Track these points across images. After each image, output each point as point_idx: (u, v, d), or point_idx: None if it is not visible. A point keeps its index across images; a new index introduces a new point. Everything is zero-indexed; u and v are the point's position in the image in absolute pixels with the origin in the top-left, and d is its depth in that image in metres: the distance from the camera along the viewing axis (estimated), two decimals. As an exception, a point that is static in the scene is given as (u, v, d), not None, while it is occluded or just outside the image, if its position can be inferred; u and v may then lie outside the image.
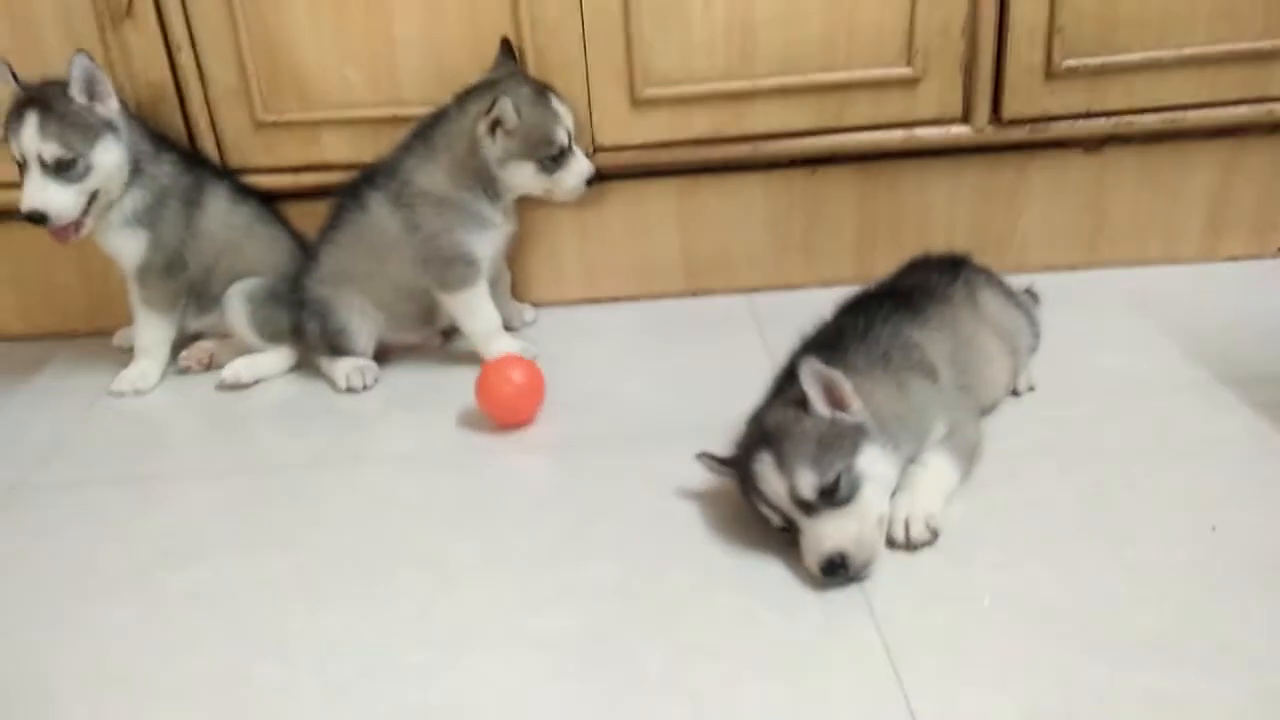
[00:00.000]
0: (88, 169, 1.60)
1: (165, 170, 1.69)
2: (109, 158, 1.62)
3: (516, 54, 1.67)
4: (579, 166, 1.66)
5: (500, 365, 1.54)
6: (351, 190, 1.69)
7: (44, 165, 1.57)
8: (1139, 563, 1.12)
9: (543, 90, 1.63)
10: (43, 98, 1.58)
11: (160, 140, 1.71)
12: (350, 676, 1.07)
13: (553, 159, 1.63)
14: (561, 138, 1.62)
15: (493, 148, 1.61)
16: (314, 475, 1.45)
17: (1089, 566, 1.13)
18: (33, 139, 1.56)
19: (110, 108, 1.63)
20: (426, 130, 1.66)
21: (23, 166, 1.58)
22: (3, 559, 1.31)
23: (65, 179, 1.58)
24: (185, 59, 1.72)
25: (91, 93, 1.60)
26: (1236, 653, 1.00)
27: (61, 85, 1.59)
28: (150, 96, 1.73)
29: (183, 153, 1.75)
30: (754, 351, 1.68)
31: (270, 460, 1.51)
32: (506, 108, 1.57)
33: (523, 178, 1.64)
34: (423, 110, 1.69)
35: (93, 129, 1.60)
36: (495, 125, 1.59)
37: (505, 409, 1.52)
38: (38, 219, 1.58)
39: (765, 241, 1.87)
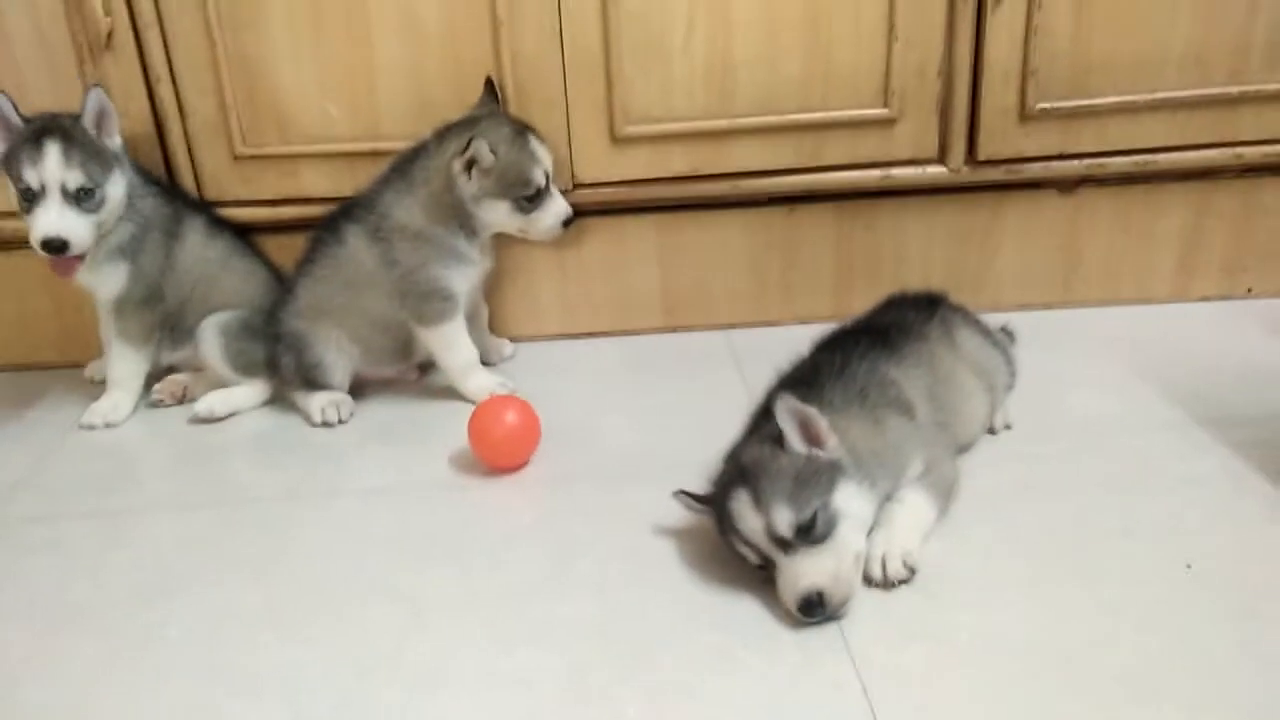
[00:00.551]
0: (102, 200, 1.60)
1: (149, 203, 1.68)
2: (117, 190, 1.63)
3: (499, 93, 1.68)
4: (555, 207, 1.66)
5: (493, 407, 1.50)
6: (329, 224, 1.69)
7: (65, 194, 1.57)
8: (1116, 601, 1.12)
9: (522, 130, 1.64)
10: (60, 128, 1.58)
11: (143, 172, 1.71)
12: (323, 713, 1.05)
13: (529, 199, 1.64)
14: (538, 179, 1.63)
15: (468, 186, 1.61)
16: (288, 509, 1.43)
17: (1066, 604, 1.12)
18: (57, 167, 1.56)
19: (116, 142, 1.64)
20: (405, 165, 1.67)
21: (32, 195, 1.57)
22: (-35, 594, 1.29)
23: (84, 209, 1.58)
24: (164, 91, 1.72)
25: (100, 126, 1.61)
26: (1214, 690, 1.00)
27: (72, 117, 1.59)
28: (129, 128, 1.73)
29: (161, 185, 1.74)
30: (732, 388, 1.68)
31: (243, 494, 1.49)
32: (481, 148, 1.57)
33: (498, 216, 1.65)
34: (402, 144, 1.70)
35: (107, 161, 1.61)
36: (471, 164, 1.60)
37: (499, 452, 1.49)
38: (56, 247, 1.57)
39: (743, 278, 1.88)
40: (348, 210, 1.68)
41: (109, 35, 1.67)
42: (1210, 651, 1.05)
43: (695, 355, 1.83)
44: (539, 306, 1.91)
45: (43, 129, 1.57)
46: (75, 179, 1.57)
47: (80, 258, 1.61)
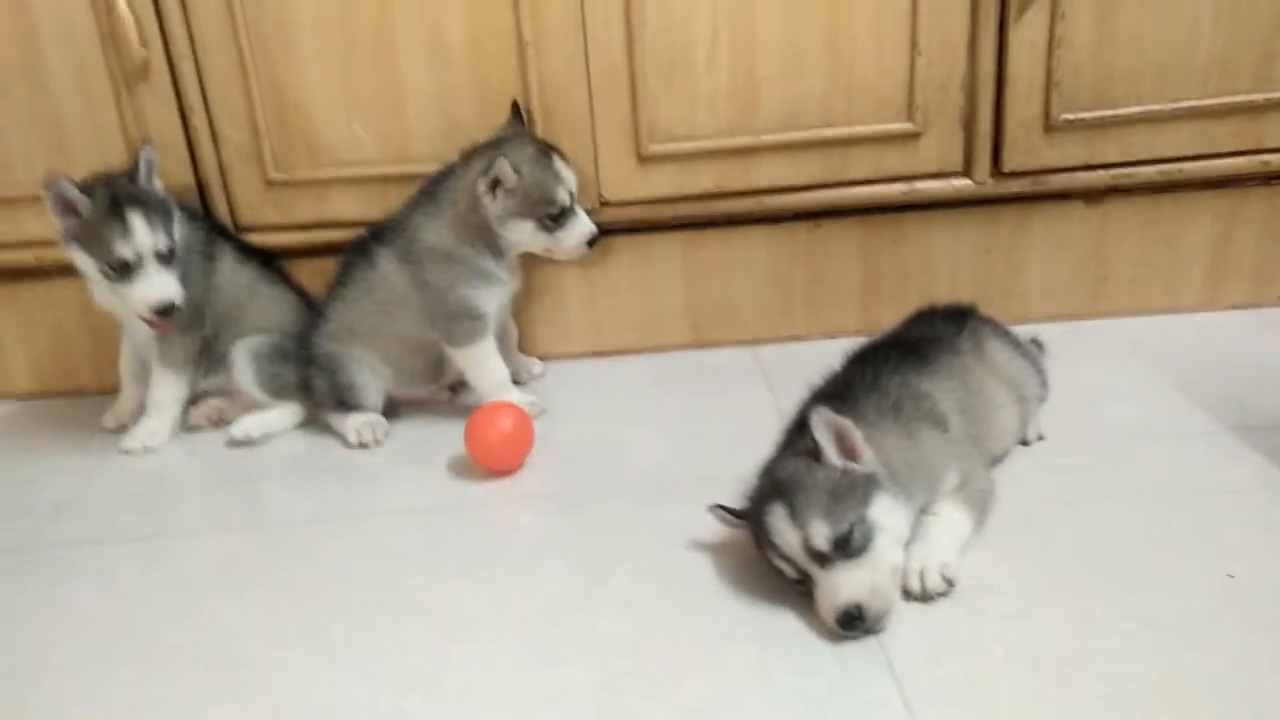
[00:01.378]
0: (174, 250, 1.64)
1: (186, 231, 1.71)
2: (180, 234, 1.66)
3: (525, 116, 1.70)
4: (580, 226, 1.67)
5: (488, 412, 1.55)
6: (360, 247, 1.71)
7: (157, 257, 1.60)
8: (1155, 612, 1.12)
9: (546, 151, 1.66)
10: (132, 194, 1.61)
11: (177, 202, 1.73)
12: (363, 734, 1.06)
13: (553, 218, 1.65)
14: (562, 198, 1.64)
15: (493, 206, 1.63)
16: (324, 530, 1.45)
17: (1105, 616, 1.12)
18: (147, 235, 1.59)
19: (161, 188, 1.67)
20: (433, 187, 1.69)
21: (128, 267, 1.59)
22: (13, 618, 1.31)
23: (170, 266, 1.62)
24: (198, 120, 1.75)
25: (152, 177, 1.65)
26: (1255, 702, 0.99)
27: (128, 177, 1.63)
28: (163, 157, 1.76)
29: (194, 212, 1.77)
30: (761, 402, 1.69)
31: (280, 516, 1.50)
32: (504, 167, 1.59)
33: (523, 235, 1.66)
34: (431, 167, 1.72)
35: (170, 212, 1.65)
36: (495, 184, 1.61)
37: (495, 455, 1.53)
38: (168, 310, 1.61)
39: (770, 293, 1.89)
40: (378, 233, 1.70)
41: (145, 66, 1.70)
42: (1253, 663, 1.04)
43: (723, 371, 1.84)
44: (567, 325, 1.92)
45: (116, 199, 1.59)
46: (163, 242, 1.61)
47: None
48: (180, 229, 1.69)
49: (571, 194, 1.66)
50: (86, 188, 1.60)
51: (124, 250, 1.58)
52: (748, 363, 1.85)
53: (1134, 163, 1.75)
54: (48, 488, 1.63)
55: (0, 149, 1.77)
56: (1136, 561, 1.21)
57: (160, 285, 1.61)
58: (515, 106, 1.69)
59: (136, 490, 1.61)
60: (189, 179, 1.79)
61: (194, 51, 1.71)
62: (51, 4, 1.69)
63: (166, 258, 1.62)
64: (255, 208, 1.81)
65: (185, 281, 1.67)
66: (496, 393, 1.70)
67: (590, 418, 1.70)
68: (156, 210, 1.62)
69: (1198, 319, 1.85)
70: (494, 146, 1.65)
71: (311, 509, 1.51)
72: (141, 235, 1.59)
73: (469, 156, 1.67)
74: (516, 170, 1.61)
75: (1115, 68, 1.69)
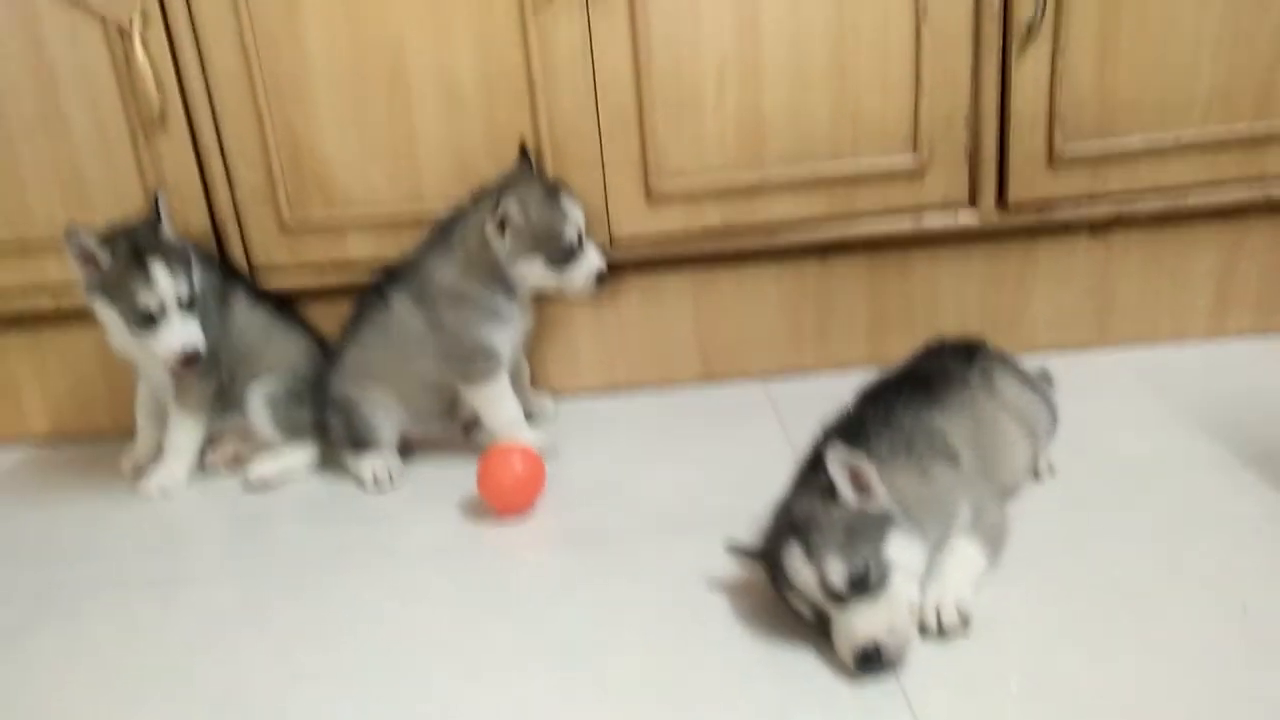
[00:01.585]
0: (195, 296, 1.66)
1: (201, 274, 1.73)
2: (199, 278, 1.68)
3: (532, 156, 1.73)
4: (588, 264, 1.68)
5: (499, 455, 1.56)
6: (374, 289, 1.73)
7: (180, 305, 1.63)
8: (1171, 645, 1.13)
9: (553, 189, 1.68)
10: (152, 243, 1.63)
11: (193, 246, 1.76)
12: (387, 778, 1.06)
13: (562, 256, 1.66)
14: (570, 236, 1.66)
15: (502, 245, 1.65)
16: (340, 570, 1.46)
17: (1121, 650, 1.13)
18: (169, 284, 1.61)
19: (175, 232, 1.69)
20: (444, 229, 1.71)
21: (151, 316, 1.62)
22: (34, 662, 1.32)
23: (192, 312, 1.65)
24: (214, 164, 1.78)
25: (167, 223, 1.68)
26: (1276, 737, 1.00)
27: (148, 224, 1.65)
28: (180, 202, 1.79)
29: (208, 256, 1.80)
30: (772, 437, 1.70)
31: (297, 558, 1.51)
32: (511, 206, 1.61)
33: (533, 273, 1.68)
34: (444, 209, 1.74)
35: (189, 257, 1.67)
36: (503, 223, 1.64)
37: (506, 498, 1.54)
38: (193, 357, 1.63)
39: (780, 328, 1.91)
40: (392, 275, 1.72)
41: (162, 114, 1.74)
42: (1271, 696, 1.04)
43: (734, 405, 1.85)
44: (578, 361, 1.94)
45: (137, 249, 1.61)
46: (184, 289, 1.63)
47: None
48: (197, 273, 1.71)
49: (580, 231, 1.68)
50: (107, 238, 1.62)
51: (148, 300, 1.61)
52: (758, 397, 1.87)
53: (1139, 194, 1.77)
54: (67, 531, 1.65)
55: (20, 196, 1.80)
56: (1151, 595, 1.22)
57: (184, 333, 1.63)
58: (523, 147, 1.72)
59: (155, 533, 1.63)
60: (205, 222, 1.82)
61: (210, 98, 1.74)
62: (71, 55, 1.72)
63: (188, 304, 1.64)
64: (270, 249, 1.84)
65: (202, 325, 1.69)
66: (511, 430, 1.71)
67: (603, 454, 1.72)
68: (177, 258, 1.64)
69: (1204, 348, 1.86)
70: (502, 187, 1.67)
71: (329, 551, 1.52)
72: (164, 284, 1.61)
73: (478, 198, 1.70)
74: (524, 209, 1.63)
75: (1117, 101, 1.71)
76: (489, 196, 1.67)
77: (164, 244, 1.64)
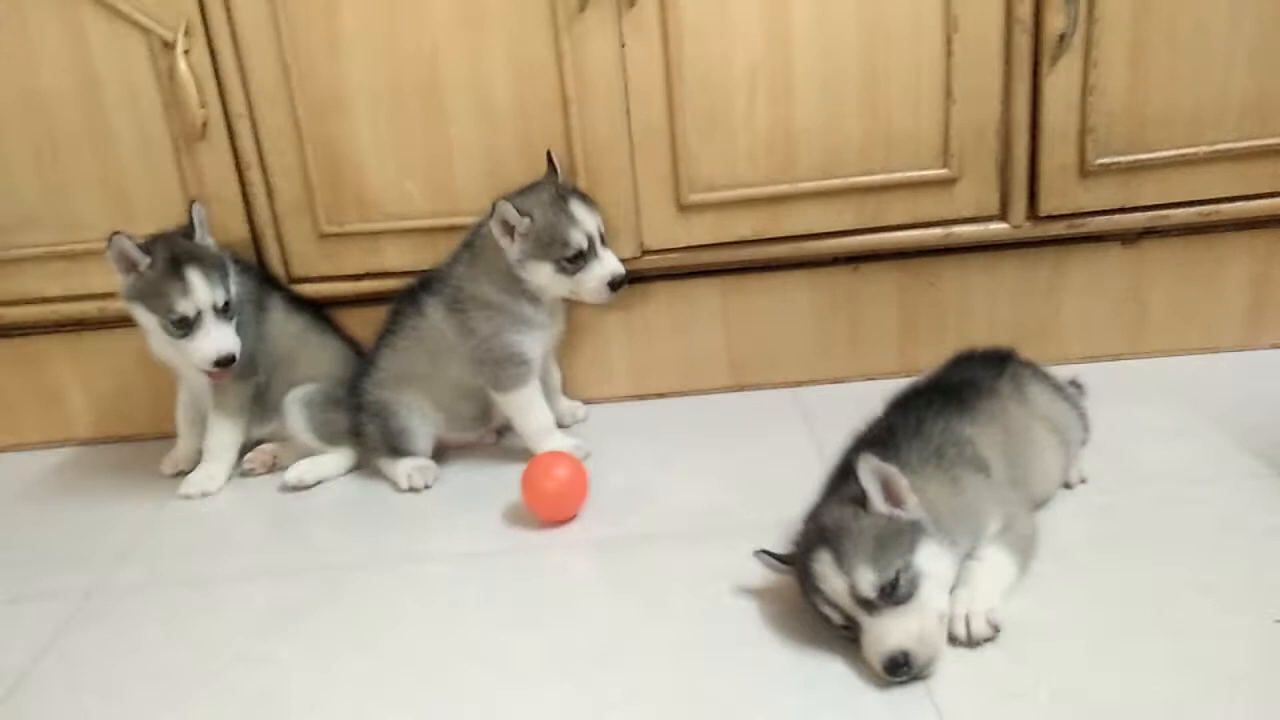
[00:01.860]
0: (230, 302, 1.70)
1: (239, 281, 1.77)
2: (236, 288, 1.72)
3: (557, 165, 1.73)
4: (600, 269, 1.68)
5: (545, 462, 1.58)
6: (408, 296, 1.76)
7: (216, 312, 1.67)
8: (1202, 656, 1.13)
9: (563, 194, 1.67)
10: (190, 251, 1.67)
11: (229, 254, 1.80)
12: (423, 779, 1.08)
13: (570, 260, 1.66)
14: (578, 240, 1.65)
15: (511, 249, 1.66)
16: (376, 574, 1.48)
17: (1151, 662, 1.13)
18: (205, 291, 1.65)
19: (213, 243, 1.73)
20: (472, 238, 1.74)
21: (189, 322, 1.66)
22: (80, 662, 1.35)
23: (229, 318, 1.69)
24: (254, 175, 1.82)
25: (203, 232, 1.72)
26: (1308, 750, 1.00)
27: (184, 233, 1.70)
28: (221, 211, 1.83)
29: (246, 264, 1.83)
30: (801, 445, 1.71)
31: (334, 560, 1.54)
32: (506, 210, 1.63)
33: (543, 278, 1.68)
34: (478, 219, 1.77)
35: (225, 265, 1.72)
36: (509, 227, 1.65)
37: (551, 505, 1.56)
38: (228, 362, 1.67)
39: (809, 337, 1.92)
40: (426, 283, 1.75)
41: (204, 126, 1.77)
42: (1303, 708, 1.04)
43: (763, 414, 1.86)
44: (609, 369, 1.96)
45: (175, 257, 1.66)
46: (220, 296, 1.67)
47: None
48: (234, 281, 1.75)
49: (590, 236, 1.68)
50: (146, 246, 1.66)
51: (184, 306, 1.64)
52: (788, 405, 1.88)
53: (1170, 205, 1.76)
54: (110, 532, 1.68)
55: (66, 207, 1.84)
56: (1183, 606, 1.22)
57: (219, 338, 1.67)
58: (550, 157, 1.73)
59: (195, 534, 1.66)
60: (244, 232, 1.85)
61: (250, 111, 1.78)
62: (116, 70, 1.76)
63: (224, 310, 1.68)
64: (307, 259, 1.87)
65: (240, 331, 1.73)
66: (542, 437, 1.73)
67: (634, 462, 1.73)
68: (213, 265, 1.68)
69: (1237, 358, 1.85)
70: (519, 194, 1.69)
71: (365, 553, 1.55)
72: (200, 291, 1.65)
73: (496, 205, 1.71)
74: (527, 214, 1.64)
75: (1149, 112, 1.71)
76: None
77: (200, 252, 1.68)
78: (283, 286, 1.86)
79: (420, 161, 1.79)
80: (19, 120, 1.80)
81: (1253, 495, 1.43)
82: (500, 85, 1.74)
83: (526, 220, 1.64)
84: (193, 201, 1.73)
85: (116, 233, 1.64)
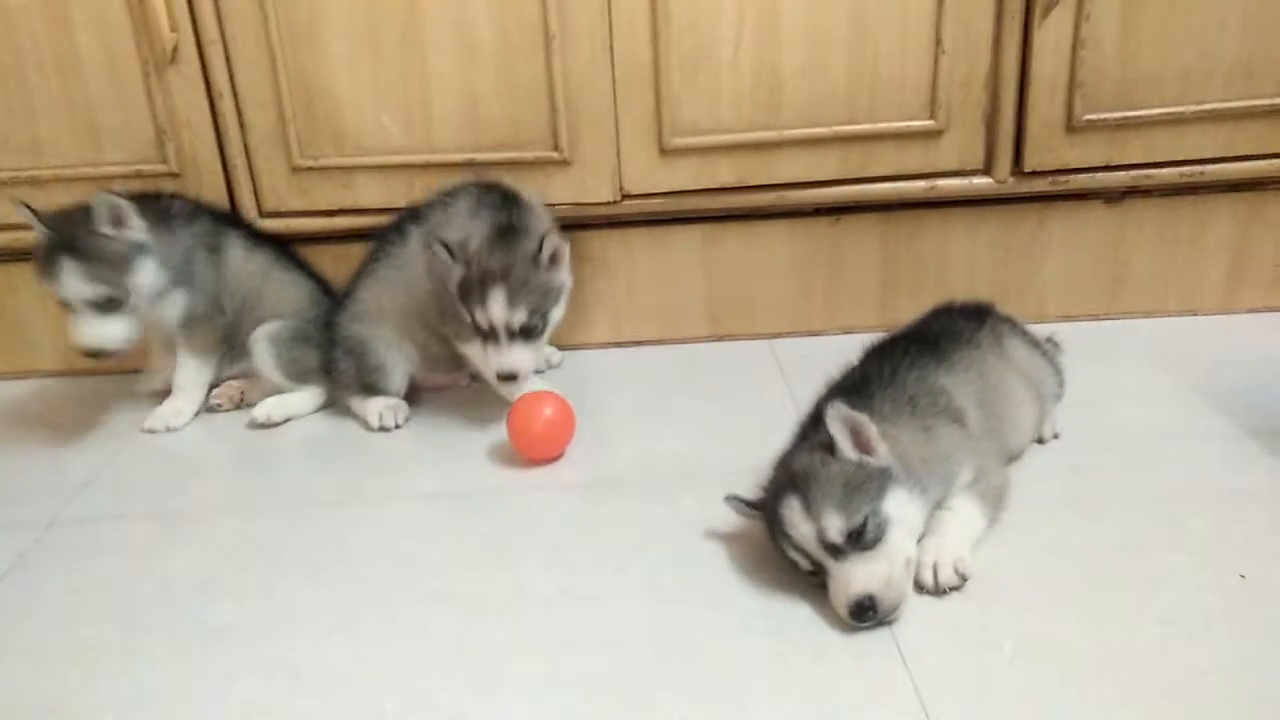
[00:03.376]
0: (127, 295, 1.64)
1: (187, 230, 1.72)
2: (145, 278, 1.67)
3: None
4: (494, 357, 1.59)
5: (531, 401, 1.56)
6: (395, 226, 1.73)
7: (92, 306, 1.62)
8: (1167, 611, 1.13)
9: (497, 273, 1.56)
10: (71, 240, 1.60)
11: (169, 212, 1.73)
12: (388, 711, 1.07)
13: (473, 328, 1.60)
14: (480, 321, 1.58)
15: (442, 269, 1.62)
16: (345, 512, 1.47)
17: (1117, 614, 1.13)
18: (76, 285, 1.60)
19: (136, 230, 1.66)
20: (451, 190, 1.70)
21: (68, 305, 1.62)
22: (43, 592, 1.33)
23: (114, 313, 1.63)
24: (226, 105, 1.77)
25: (117, 221, 1.63)
26: (1267, 703, 1.00)
27: (85, 215, 1.61)
28: (190, 141, 1.78)
29: (194, 208, 1.78)
30: (778, 395, 1.70)
31: (301, 497, 1.52)
32: (438, 250, 1.57)
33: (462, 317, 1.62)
34: (455, 156, 1.75)
35: (125, 257, 1.64)
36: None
37: (535, 444, 1.54)
38: (97, 356, 1.63)
39: (789, 288, 1.90)
40: (413, 215, 1.72)
41: (174, 51, 1.73)
42: (1265, 664, 1.05)
43: (741, 364, 1.85)
44: (587, 316, 1.94)
45: (55, 244, 1.59)
46: (97, 291, 1.61)
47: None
48: (181, 230, 1.71)
49: (495, 327, 1.58)
50: (48, 220, 1.61)
51: (59, 292, 1.61)
52: (765, 356, 1.87)
53: (1156, 164, 1.75)
54: (73, 464, 1.66)
55: (31, 132, 1.79)
56: (1150, 561, 1.22)
57: (89, 333, 1.62)
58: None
59: (160, 468, 1.64)
60: (215, 163, 1.81)
61: (223, 37, 1.73)
62: (85, -11, 1.71)
63: (105, 305, 1.62)
64: (280, 193, 1.83)
65: (192, 278, 1.71)
66: (507, 385, 1.69)
67: (608, 408, 1.72)
68: (95, 259, 1.60)
69: (1215, 321, 1.86)
70: (493, 230, 1.60)
71: (333, 491, 1.53)
72: (69, 286, 1.60)
73: (482, 193, 1.68)
74: (461, 262, 1.58)
75: (1139, 69, 1.69)
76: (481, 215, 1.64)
77: (85, 244, 1.60)
78: (241, 224, 1.82)
79: (398, 96, 1.75)
80: (-18, 40, 1.75)
81: (1222, 456, 1.43)
82: (481, 20, 1.70)
83: (458, 269, 1.57)
84: (100, 191, 1.63)
85: (23, 203, 1.61)
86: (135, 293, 1.65)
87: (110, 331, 1.63)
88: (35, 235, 1.62)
